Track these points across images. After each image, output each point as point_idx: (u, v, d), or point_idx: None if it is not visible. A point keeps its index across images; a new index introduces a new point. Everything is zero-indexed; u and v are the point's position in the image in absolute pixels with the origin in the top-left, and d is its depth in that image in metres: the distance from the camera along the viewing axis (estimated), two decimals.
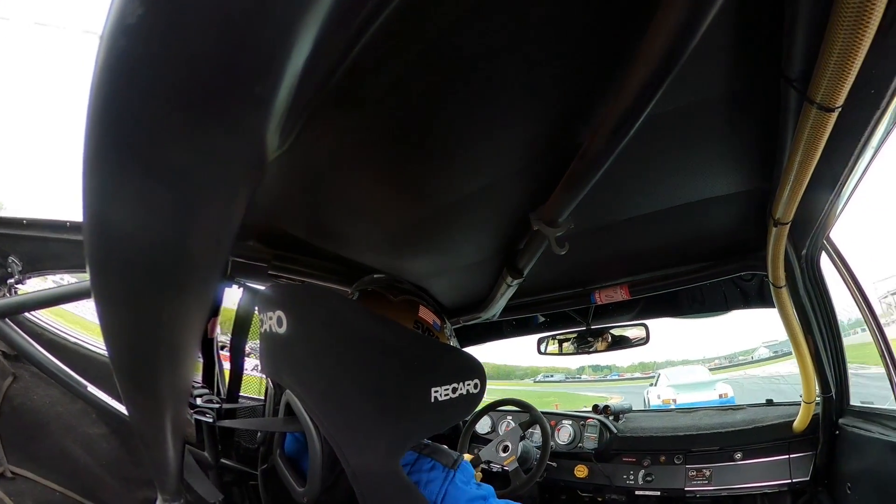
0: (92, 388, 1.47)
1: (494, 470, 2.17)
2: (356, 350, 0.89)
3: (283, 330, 0.92)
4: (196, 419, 1.25)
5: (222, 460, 1.37)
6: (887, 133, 0.97)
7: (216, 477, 1.36)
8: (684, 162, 1.21)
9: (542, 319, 2.65)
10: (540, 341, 2.64)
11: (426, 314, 1.13)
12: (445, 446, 1.07)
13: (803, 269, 1.58)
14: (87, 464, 1.51)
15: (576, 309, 2.32)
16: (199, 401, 1.25)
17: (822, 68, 0.76)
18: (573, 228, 1.16)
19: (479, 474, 2.04)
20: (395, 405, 0.89)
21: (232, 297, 1.35)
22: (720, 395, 12.02)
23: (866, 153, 1.03)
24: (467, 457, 2.04)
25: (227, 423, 1.25)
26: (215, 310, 1.32)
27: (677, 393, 13.18)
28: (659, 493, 2.22)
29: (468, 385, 0.97)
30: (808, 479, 1.92)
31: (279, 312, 0.93)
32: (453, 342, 1.21)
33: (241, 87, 0.25)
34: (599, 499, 2.43)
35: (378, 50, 0.66)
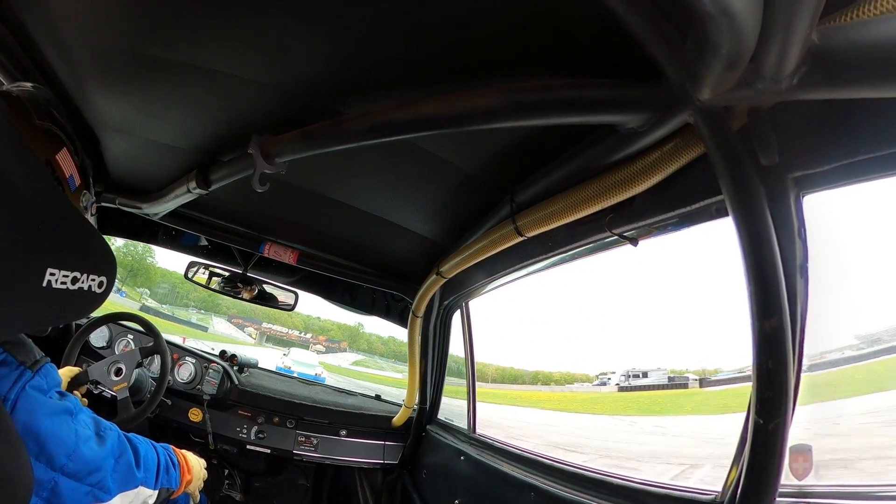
0: None
1: (100, 393, 1.87)
2: None
3: None
4: None
5: None
6: (539, 270, 1.47)
7: None
8: (406, 189, 1.46)
9: (203, 243, 2.45)
10: (191, 265, 2.47)
11: (66, 162, 0.86)
12: (31, 341, 0.81)
13: (439, 313, 2.21)
14: None
15: (241, 250, 2.26)
16: None
17: (535, 211, 1.09)
18: (282, 175, 1.16)
19: (82, 394, 1.64)
20: None
21: None
22: (316, 374, 18.20)
23: (520, 272, 1.52)
24: (72, 370, 1.64)
25: None
26: None
27: (294, 364, 20.73)
28: (269, 451, 2.34)
29: (93, 280, 0.78)
30: (396, 462, 2.48)
31: None
32: (91, 220, 0.96)
33: None
34: (211, 447, 2.33)
35: None
